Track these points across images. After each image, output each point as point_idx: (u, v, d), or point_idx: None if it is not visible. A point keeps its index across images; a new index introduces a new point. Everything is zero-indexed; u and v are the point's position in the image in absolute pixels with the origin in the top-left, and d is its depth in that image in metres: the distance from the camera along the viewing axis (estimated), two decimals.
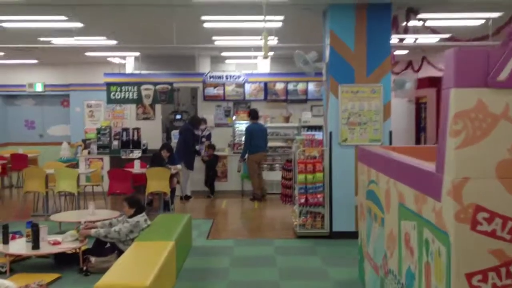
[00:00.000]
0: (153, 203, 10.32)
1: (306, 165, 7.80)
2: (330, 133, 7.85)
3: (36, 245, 6.18)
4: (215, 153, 12.12)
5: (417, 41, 9.58)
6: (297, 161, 7.88)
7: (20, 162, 12.71)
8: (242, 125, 13.07)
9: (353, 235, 7.64)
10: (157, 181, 9.56)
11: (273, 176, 12.40)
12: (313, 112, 13.40)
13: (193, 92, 15.02)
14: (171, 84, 12.37)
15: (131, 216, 6.52)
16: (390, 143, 7.75)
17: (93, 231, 6.35)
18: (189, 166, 11.46)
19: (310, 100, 13.86)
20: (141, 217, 6.52)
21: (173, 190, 10.13)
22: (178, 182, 10.66)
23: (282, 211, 9.99)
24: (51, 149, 15.66)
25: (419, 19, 7.92)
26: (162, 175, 9.58)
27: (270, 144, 12.58)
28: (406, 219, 3.87)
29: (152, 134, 13.15)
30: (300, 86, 13.75)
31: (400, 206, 4.03)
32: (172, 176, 9.87)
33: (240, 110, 13.56)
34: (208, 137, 12.60)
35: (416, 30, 8.26)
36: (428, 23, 8.10)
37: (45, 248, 6.26)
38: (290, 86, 13.73)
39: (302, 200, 7.81)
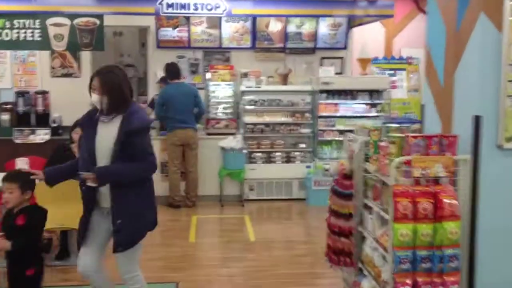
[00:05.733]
0: (51, 245, 5.32)
1: (416, 200, 3.04)
2: (476, 119, 3.09)
3: None
4: None
5: None
6: (394, 189, 3.08)
7: None
8: (219, 88, 8.23)
9: None
10: (59, 207, 4.63)
11: (270, 173, 7.78)
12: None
13: (142, 36, 10.02)
14: (99, 16, 7.26)
15: None
16: None
17: None
18: None
19: (320, 49, 9.09)
20: None
21: None
22: None
23: (304, 246, 5.37)
24: None
25: None
26: (69, 193, 4.64)
27: (266, 119, 7.90)
28: None
29: (73, 101, 8.17)
30: (307, 27, 8.92)
31: None
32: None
33: (215, 64, 8.63)
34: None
35: None
36: None
37: None
38: (291, 28, 8.90)
39: None
